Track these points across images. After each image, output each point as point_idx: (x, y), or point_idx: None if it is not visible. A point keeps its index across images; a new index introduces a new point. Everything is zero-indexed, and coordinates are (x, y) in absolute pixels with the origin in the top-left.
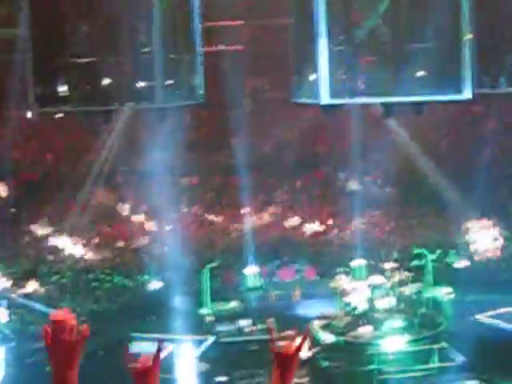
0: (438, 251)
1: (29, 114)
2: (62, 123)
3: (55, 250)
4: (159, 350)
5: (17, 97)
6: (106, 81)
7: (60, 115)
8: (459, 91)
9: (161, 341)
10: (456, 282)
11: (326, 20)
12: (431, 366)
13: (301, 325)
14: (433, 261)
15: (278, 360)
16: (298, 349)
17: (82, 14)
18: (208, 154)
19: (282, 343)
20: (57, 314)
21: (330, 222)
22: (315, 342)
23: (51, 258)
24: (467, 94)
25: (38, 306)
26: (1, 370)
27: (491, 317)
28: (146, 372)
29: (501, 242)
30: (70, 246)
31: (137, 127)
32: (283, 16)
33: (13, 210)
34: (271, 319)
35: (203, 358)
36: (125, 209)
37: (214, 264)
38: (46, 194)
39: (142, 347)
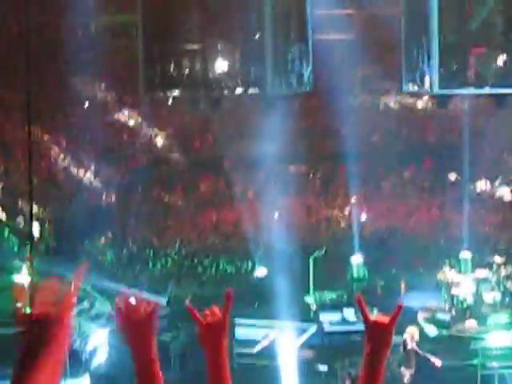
0: None
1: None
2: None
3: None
4: (228, 298)
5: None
6: (215, 67)
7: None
8: None
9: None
10: None
11: (437, 11)
12: None
13: (405, 316)
14: None
15: (371, 332)
16: (394, 319)
17: (194, 0)
18: (316, 142)
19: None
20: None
21: (437, 213)
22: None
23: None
24: None
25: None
26: (103, 354)
27: None
28: (215, 324)
29: None
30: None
31: (246, 114)
32: (394, 5)
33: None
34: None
35: (306, 346)
36: (231, 195)
37: (319, 252)
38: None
39: (247, 332)
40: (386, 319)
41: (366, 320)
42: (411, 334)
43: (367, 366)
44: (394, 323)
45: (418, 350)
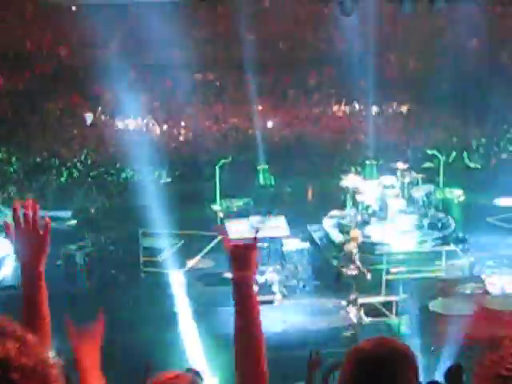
0: (453, 153)
1: None
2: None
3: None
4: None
5: None
6: None
7: None
8: None
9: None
10: (468, 184)
11: None
12: (440, 267)
13: (312, 222)
14: (445, 162)
15: (234, 254)
16: (254, 241)
17: None
18: (224, 50)
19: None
20: (18, 203)
21: (344, 120)
22: (327, 239)
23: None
24: None
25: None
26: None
27: (502, 220)
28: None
29: None
30: None
31: (152, 22)
32: None
33: None
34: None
35: (212, 254)
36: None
37: (226, 160)
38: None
39: (153, 242)
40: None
41: (226, 244)
42: (355, 237)
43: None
44: (254, 245)
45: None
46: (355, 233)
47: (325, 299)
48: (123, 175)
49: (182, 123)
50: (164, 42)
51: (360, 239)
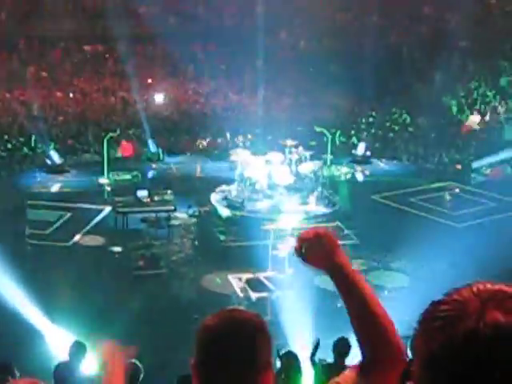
0: (338, 131)
1: None
2: None
3: None
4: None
5: None
6: None
7: None
8: None
9: None
10: (356, 163)
11: None
12: None
13: (200, 198)
14: (333, 140)
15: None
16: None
17: None
18: (112, 22)
19: None
20: None
21: (233, 96)
22: (215, 215)
23: None
24: None
25: None
26: None
27: (386, 197)
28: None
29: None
30: None
31: None
32: None
33: None
34: (169, 191)
35: (100, 227)
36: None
37: (114, 134)
38: None
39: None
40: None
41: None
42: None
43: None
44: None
45: None
46: None
47: (211, 274)
48: (8, 146)
49: (70, 95)
50: (53, 14)
51: None
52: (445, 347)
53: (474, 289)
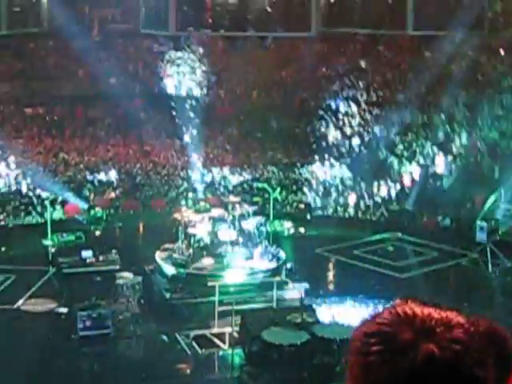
0: (279, 187)
1: None
2: None
3: None
4: None
5: None
6: None
7: None
8: None
9: None
10: (298, 217)
11: None
12: (271, 298)
13: (144, 256)
14: (275, 196)
15: None
16: None
17: None
18: (52, 83)
19: None
20: None
21: (174, 154)
22: (161, 275)
23: None
24: None
25: None
26: None
27: (330, 251)
28: None
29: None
30: None
31: None
32: None
33: None
34: (114, 250)
35: (45, 288)
36: None
37: (54, 196)
38: None
39: None
40: None
41: None
42: None
43: None
44: None
45: None
46: None
47: (158, 332)
48: None
49: (12, 158)
50: None
51: None
52: (387, 379)
53: (402, 315)
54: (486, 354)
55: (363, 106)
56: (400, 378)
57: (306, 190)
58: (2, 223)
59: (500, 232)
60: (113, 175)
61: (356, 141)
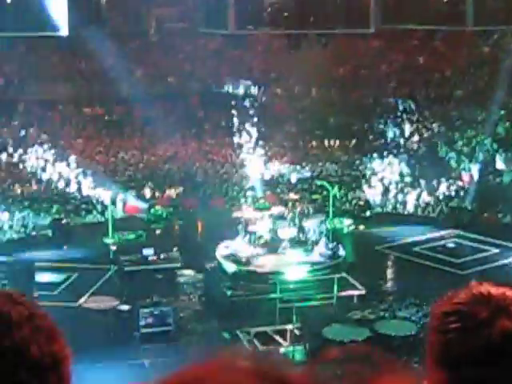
0: (340, 185)
1: None
2: None
3: None
4: None
5: None
6: None
7: None
8: None
9: None
10: (357, 214)
11: None
12: (331, 295)
13: (205, 253)
14: (334, 194)
15: None
16: None
17: None
18: (112, 84)
19: None
20: None
21: (233, 152)
22: (222, 272)
23: None
24: None
25: None
26: None
27: (389, 248)
28: None
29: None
30: None
31: (39, 56)
32: None
33: None
34: (175, 248)
35: (107, 286)
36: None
37: (119, 194)
38: None
39: (48, 275)
40: None
41: None
42: None
43: None
44: None
45: None
46: None
47: (219, 329)
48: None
49: (72, 157)
50: (51, 77)
51: None
52: (466, 355)
53: (478, 295)
54: None
55: (422, 102)
56: (477, 353)
57: (365, 187)
58: (64, 222)
59: None
60: (172, 174)
61: (415, 138)
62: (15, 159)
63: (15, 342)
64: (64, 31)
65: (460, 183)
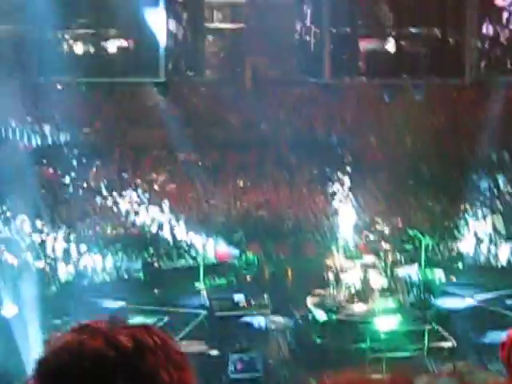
0: (432, 235)
1: None
2: None
3: None
4: None
5: None
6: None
7: None
8: None
9: None
10: (449, 265)
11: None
12: (421, 345)
13: (296, 300)
14: (426, 244)
15: None
16: None
17: None
18: (204, 130)
19: None
20: None
21: (324, 201)
22: (312, 320)
23: None
24: None
25: None
26: None
27: (482, 301)
28: None
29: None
30: None
31: (134, 102)
32: None
33: None
34: (265, 295)
35: (197, 330)
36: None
37: (210, 240)
38: None
39: (141, 318)
40: None
41: None
42: None
43: None
44: None
45: None
46: None
47: (307, 377)
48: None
49: (166, 202)
50: (146, 122)
51: None
52: None
53: None
54: None
55: None
56: None
57: (457, 238)
58: (156, 265)
59: None
60: (264, 221)
61: (509, 190)
62: (109, 202)
63: (148, 367)
64: (161, 77)
65: None
